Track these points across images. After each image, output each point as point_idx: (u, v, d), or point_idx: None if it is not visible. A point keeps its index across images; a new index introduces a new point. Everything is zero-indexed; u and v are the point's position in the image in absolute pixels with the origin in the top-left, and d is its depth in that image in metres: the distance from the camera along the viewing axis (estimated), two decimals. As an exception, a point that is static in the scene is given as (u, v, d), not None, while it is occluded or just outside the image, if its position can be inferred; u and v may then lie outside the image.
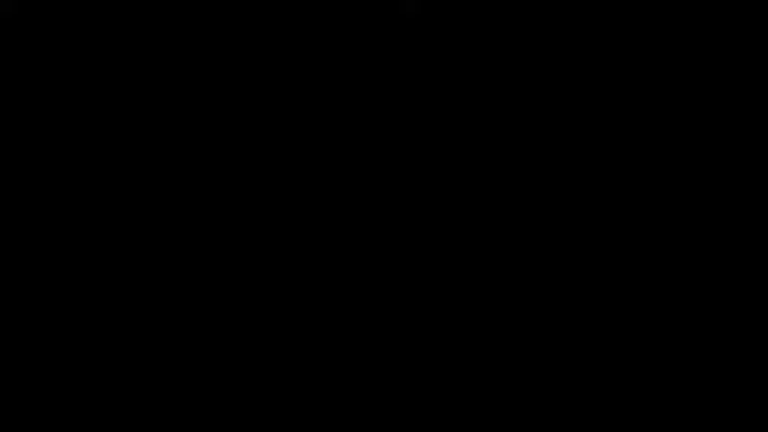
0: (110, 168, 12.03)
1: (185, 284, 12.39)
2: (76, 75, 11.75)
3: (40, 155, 11.18)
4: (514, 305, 12.68)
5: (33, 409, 10.83)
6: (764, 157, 11.82)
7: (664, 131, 12.47)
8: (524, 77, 12.34)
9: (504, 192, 13.07)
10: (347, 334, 12.86)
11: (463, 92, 12.62)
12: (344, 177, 12.58)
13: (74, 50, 11.75)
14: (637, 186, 12.83)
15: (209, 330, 12.30)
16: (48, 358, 11.17)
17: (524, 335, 12.79)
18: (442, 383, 11.77)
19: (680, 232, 12.53)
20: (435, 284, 12.77)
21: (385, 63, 12.25)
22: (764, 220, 12.24)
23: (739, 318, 11.63)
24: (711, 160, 12.04)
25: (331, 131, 12.35)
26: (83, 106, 11.36)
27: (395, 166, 12.92)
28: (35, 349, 11.04)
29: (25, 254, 11.43)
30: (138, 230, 12.17)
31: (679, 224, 12.75)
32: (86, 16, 11.54)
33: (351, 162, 12.63)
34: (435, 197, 13.16)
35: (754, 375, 11.26)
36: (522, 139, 12.64)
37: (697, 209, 12.95)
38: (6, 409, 10.84)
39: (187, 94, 11.63)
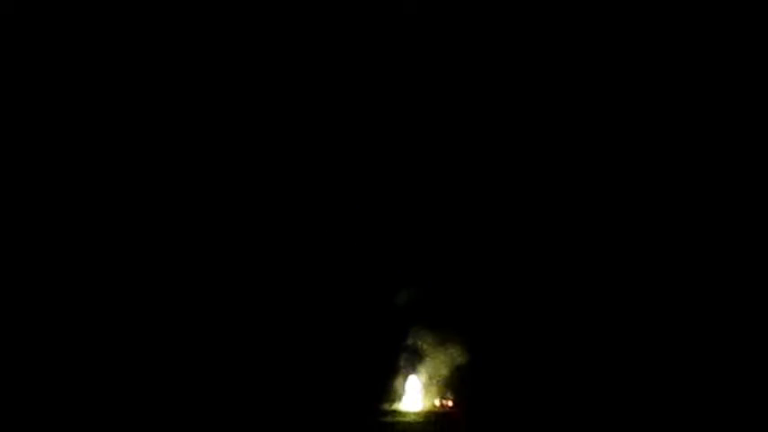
0: (109, 166, 14.38)
1: (181, 281, 13.84)
2: (75, 74, 14.05)
3: (39, 153, 13.36)
4: (513, 303, 13.88)
5: (33, 408, 12.31)
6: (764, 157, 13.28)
7: (663, 131, 14.29)
8: (523, 77, 15.09)
9: (502, 189, 15.33)
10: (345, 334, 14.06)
11: (462, 91, 15.46)
12: (344, 175, 14.48)
13: (73, 50, 14.14)
14: (636, 185, 14.30)
15: (206, 329, 13.60)
16: (47, 358, 12.75)
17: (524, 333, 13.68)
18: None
19: (679, 232, 13.90)
20: (435, 282, 14.27)
21: (385, 63, 14.60)
22: (764, 219, 13.46)
23: (739, 318, 12.62)
24: (711, 160, 13.64)
25: (331, 130, 14.83)
26: (82, 105, 13.62)
27: (395, 164, 15.12)
28: (35, 349, 12.76)
29: (23, 251, 13.35)
30: (135, 228, 14.01)
31: (679, 224, 14.20)
32: (86, 16, 13.96)
33: (351, 160, 14.93)
34: (435, 194, 15.38)
35: (753, 375, 11.91)
36: (520, 138, 15.20)
37: (697, 208, 14.38)
38: (6, 409, 12.26)
39: (187, 94, 13.98)
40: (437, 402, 19.84)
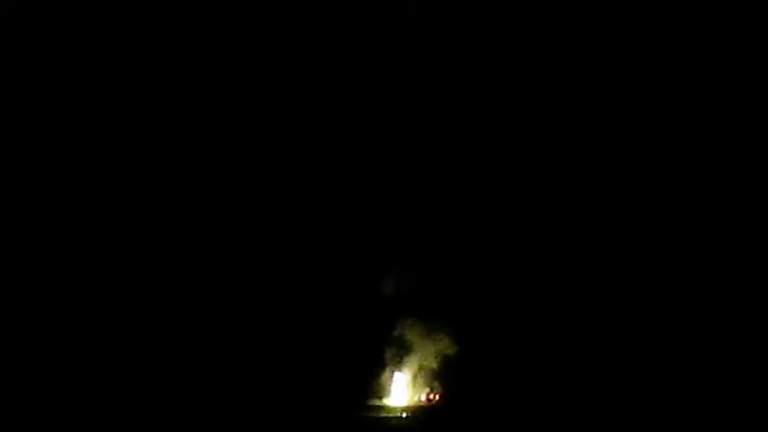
0: (108, 166, 13.77)
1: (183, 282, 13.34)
2: (75, 74, 13.43)
3: (39, 153, 12.76)
4: (513, 303, 13.65)
5: (33, 408, 11.81)
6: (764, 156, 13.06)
7: (663, 131, 13.94)
8: (522, 76, 14.70)
9: (501, 188, 14.91)
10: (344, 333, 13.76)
11: (462, 90, 15.02)
12: (345, 175, 14.10)
13: (72, 50, 13.57)
14: (636, 185, 14.00)
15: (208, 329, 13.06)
16: (47, 358, 12.26)
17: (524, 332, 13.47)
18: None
19: (680, 231, 13.68)
20: (435, 281, 13.95)
21: (385, 62, 14.24)
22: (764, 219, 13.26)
23: (739, 318, 12.44)
24: (711, 160, 13.35)
25: (331, 129, 14.38)
26: (81, 105, 13.06)
27: (395, 163, 14.64)
28: (35, 349, 12.22)
29: (23, 252, 12.67)
30: (135, 228, 13.49)
31: (679, 223, 13.94)
32: (85, 16, 13.43)
33: (351, 159, 14.53)
34: (434, 194, 14.92)
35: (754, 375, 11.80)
36: (520, 137, 14.81)
37: (697, 208, 14.09)
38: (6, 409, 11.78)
39: (187, 94, 13.48)
40: (424, 396, 19.79)
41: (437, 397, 19.68)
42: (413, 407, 19.54)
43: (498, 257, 18.76)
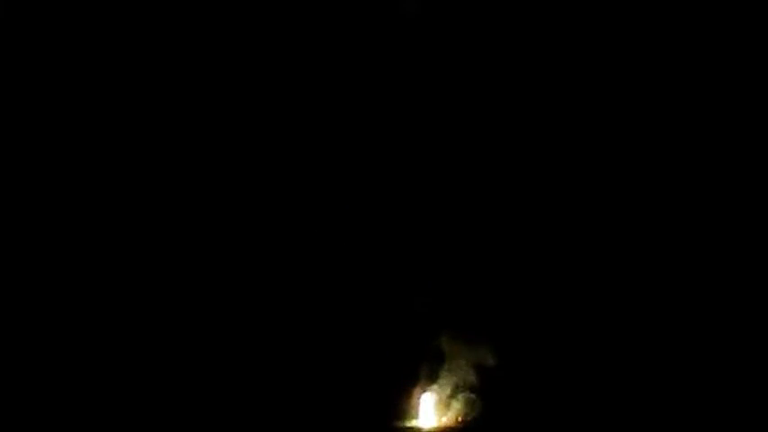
0: (108, 167, 14.58)
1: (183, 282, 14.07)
2: (73, 74, 14.21)
3: (38, 153, 13.67)
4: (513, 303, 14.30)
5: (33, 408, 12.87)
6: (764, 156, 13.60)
7: (663, 131, 14.71)
8: (522, 77, 15.34)
9: (502, 189, 15.48)
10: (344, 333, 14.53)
11: (462, 91, 15.71)
12: (345, 175, 14.91)
13: (70, 50, 14.37)
14: (636, 185, 14.68)
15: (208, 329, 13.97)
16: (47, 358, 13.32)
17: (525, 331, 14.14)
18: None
19: (680, 231, 14.25)
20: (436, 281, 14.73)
21: (385, 63, 15.09)
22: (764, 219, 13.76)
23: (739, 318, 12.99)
24: (711, 160, 13.98)
25: (331, 129, 15.09)
26: (81, 105, 13.88)
27: (395, 164, 15.39)
28: (35, 349, 13.31)
29: (23, 252, 13.53)
30: (135, 229, 14.30)
31: (679, 223, 14.55)
32: (83, 16, 14.28)
33: (351, 160, 15.22)
34: (434, 194, 15.63)
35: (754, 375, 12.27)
36: (520, 137, 15.43)
37: (697, 208, 14.64)
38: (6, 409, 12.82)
39: (187, 95, 14.39)
40: (453, 417, 18.75)
41: (471, 416, 18.66)
42: (446, 427, 18.57)
43: (536, 262, 17.57)
